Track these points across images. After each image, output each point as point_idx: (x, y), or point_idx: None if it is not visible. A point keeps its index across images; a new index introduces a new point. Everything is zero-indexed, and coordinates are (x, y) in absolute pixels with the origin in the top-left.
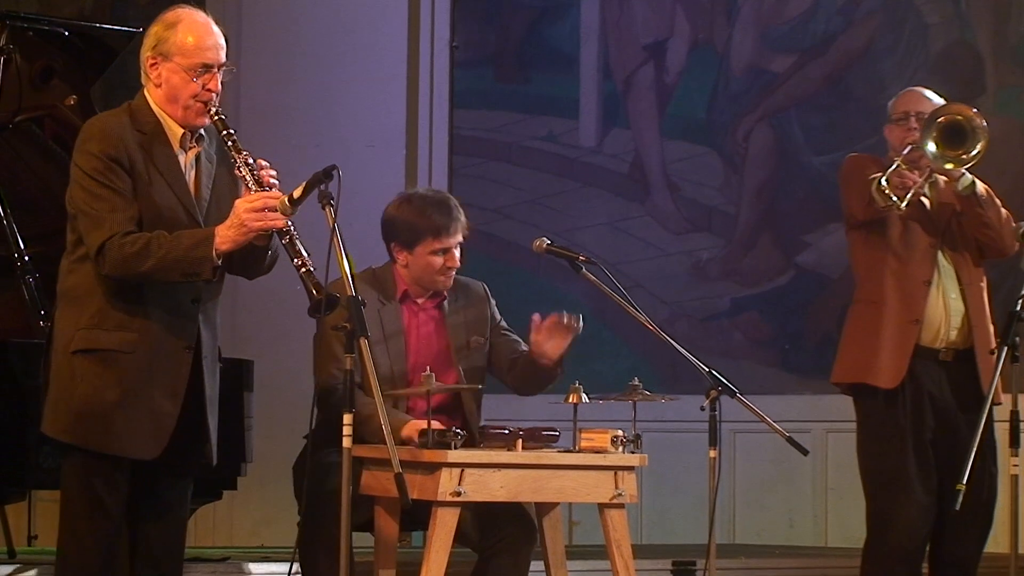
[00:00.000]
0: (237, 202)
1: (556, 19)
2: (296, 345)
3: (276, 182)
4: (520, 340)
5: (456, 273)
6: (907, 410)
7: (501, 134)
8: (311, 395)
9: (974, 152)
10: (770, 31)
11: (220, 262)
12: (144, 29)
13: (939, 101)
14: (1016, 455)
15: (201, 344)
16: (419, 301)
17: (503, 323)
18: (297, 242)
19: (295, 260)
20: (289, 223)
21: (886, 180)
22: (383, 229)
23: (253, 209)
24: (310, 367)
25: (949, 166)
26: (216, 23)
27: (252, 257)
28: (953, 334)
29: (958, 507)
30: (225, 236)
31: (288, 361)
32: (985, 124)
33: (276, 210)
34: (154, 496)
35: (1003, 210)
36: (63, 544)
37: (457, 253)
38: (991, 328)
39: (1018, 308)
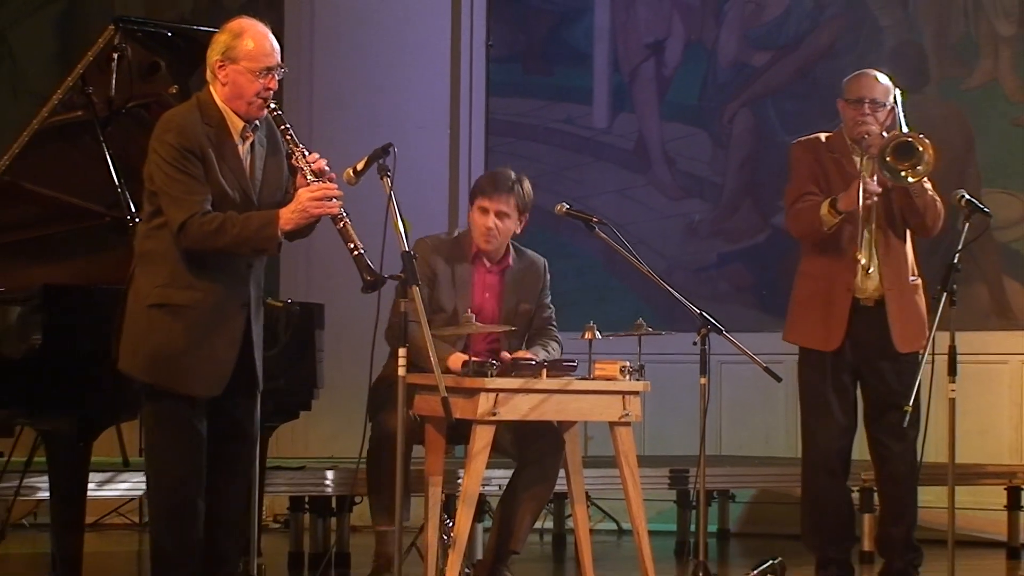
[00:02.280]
0: (301, 191)
1: (573, 22)
2: (358, 292)
3: (328, 170)
4: (551, 319)
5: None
6: (833, 354)
7: (528, 118)
8: (372, 332)
9: (914, 171)
10: (751, 32)
11: (282, 241)
12: None
13: (888, 84)
14: (953, 382)
15: (250, 299)
16: (487, 264)
17: (548, 300)
18: (349, 228)
19: (349, 244)
20: (342, 211)
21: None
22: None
23: (314, 198)
24: (372, 309)
25: (908, 178)
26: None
27: (306, 230)
28: (871, 289)
29: (906, 424)
30: (288, 219)
31: (353, 304)
32: (928, 142)
33: (332, 199)
34: (228, 418)
35: (936, 199)
36: (148, 469)
37: (495, 219)
38: (908, 284)
39: (955, 261)
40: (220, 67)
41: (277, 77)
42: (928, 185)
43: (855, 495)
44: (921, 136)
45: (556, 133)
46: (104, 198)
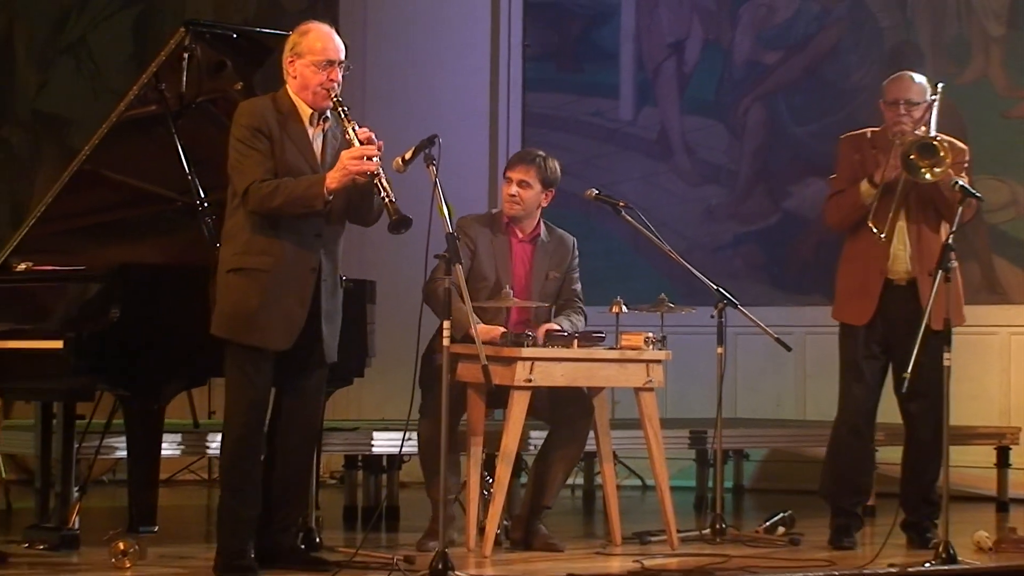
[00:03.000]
0: (343, 152)
1: (602, 24)
2: (408, 270)
3: (373, 138)
4: (578, 292)
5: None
6: (865, 328)
7: (560, 111)
8: (419, 306)
9: (931, 170)
10: (763, 33)
11: (331, 198)
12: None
13: (923, 82)
14: (948, 351)
15: (322, 269)
16: (519, 234)
17: (576, 273)
18: (383, 181)
19: (381, 193)
20: (379, 168)
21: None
22: None
23: (353, 157)
24: (419, 285)
25: (926, 175)
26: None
27: (362, 206)
28: (903, 270)
29: (904, 389)
30: (332, 177)
31: (402, 280)
32: (947, 144)
33: (371, 159)
34: (295, 384)
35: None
36: (226, 410)
37: (516, 188)
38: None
39: (950, 241)
40: (290, 63)
41: (341, 72)
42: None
43: None
44: (943, 139)
45: (586, 125)
46: (175, 185)
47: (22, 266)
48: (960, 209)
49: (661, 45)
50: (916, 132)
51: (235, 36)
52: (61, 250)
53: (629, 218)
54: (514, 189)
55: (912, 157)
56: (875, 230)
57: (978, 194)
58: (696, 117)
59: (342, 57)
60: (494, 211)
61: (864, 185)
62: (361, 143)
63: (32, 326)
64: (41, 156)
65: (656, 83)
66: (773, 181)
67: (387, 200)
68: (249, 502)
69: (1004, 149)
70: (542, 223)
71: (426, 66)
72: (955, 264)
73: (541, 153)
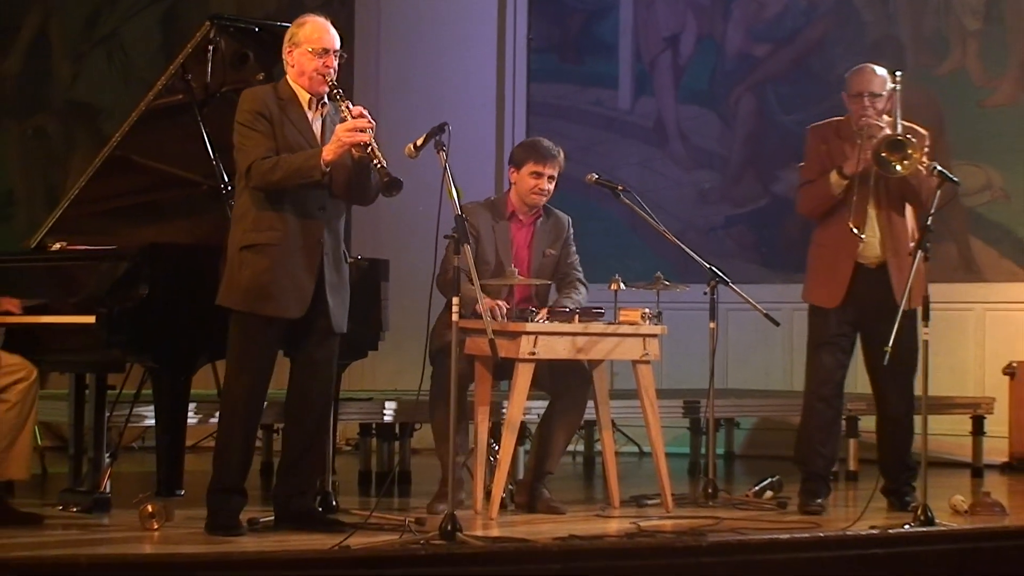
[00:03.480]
0: (337, 126)
1: (602, 19)
2: (420, 250)
3: (365, 113)
4: (575, 264)
5: (551, 207)
6: (835, 310)
7: (563, 100)
8: (430, 283)
9: (903, 164)
10: (753, 27)
11: (327, 169)
12: None
13: (884, 73)
14: (926, 326)
15: (324, 239)
16: (521, 219)
17: (573, 247)
18: (376, 150)
19: (373, 160)
20: (372, 140)
21: (839, 173)
22: (508, 158)
23: (347, 130)
24: (430, 263)
25: (897, 168)
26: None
27: (361, 182)
28: (872, 255)
29: (886, 362)
30: (328, 150)
31: (413, 259)
32: (914, 139)
33: (363, 131)
34: (306, 354)
35: (930, 177)
36: (226, 378)
37: (546, 183)
38: (906, 251)
39: (928, 223)
40: (289, 52)
41: (335, 60)
42: (923, 170)
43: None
44: (910, 134)
45: (587, 114)
46: (201, 169)
47: (57, 245)
48: (938, 193)
49: (657, 38)
50: (881, 123)
51: (257, 30)
52: (93, 231)
53: (627, 201)
54: (545, 184)
55: (883, 154)
56: (855, 231)
57: (956, 179)
58: (690, 106)
59: (336, 46)
60: (493, 198)
61: (834, 176)
62: (354, 118)
63: (66, 302)
64: (75, 143)
65: (653, 74)
66: (762, 166)
67: (379, 165)
68: (238, 469)
69: (980, 137)
70: (542, 207)
71: (436, 58)
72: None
73: (555, 145)
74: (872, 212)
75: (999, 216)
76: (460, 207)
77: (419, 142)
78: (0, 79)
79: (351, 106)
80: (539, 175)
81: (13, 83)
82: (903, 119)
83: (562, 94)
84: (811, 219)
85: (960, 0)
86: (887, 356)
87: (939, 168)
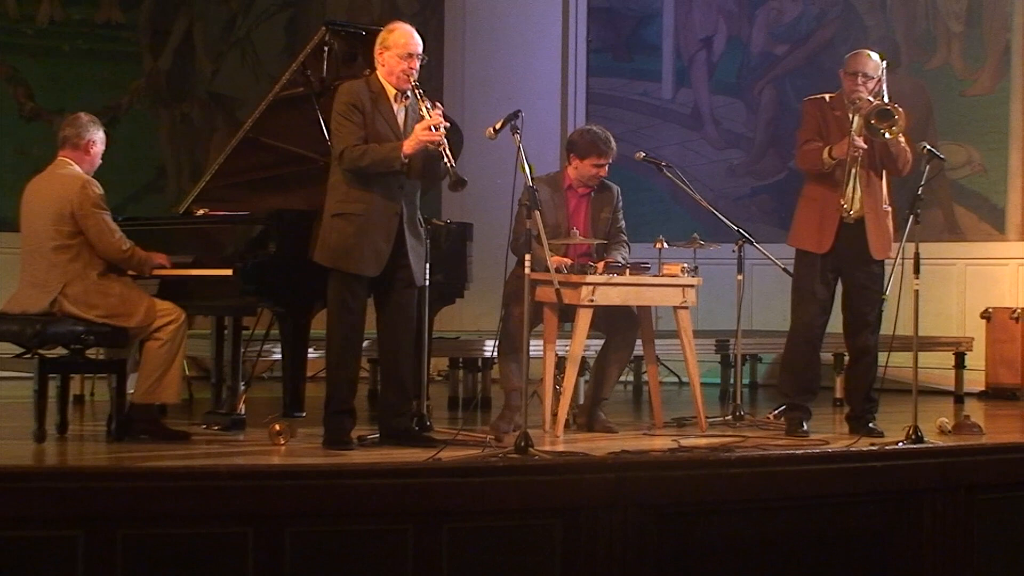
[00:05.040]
0: (416, 125)
1: (648, 24)
2: (498, 215)
3: (441, 116)
4: (623, 228)
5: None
6: (822, 256)
7: (616, 92)
8: (505, 243)
9: (890, 130)
10: (774, 30)
11: (406, 160)
12: None
13: (877, 60)
14: (917, 278)
15: (403, 213)
16: (579, 190)
17: (620, 215)
18: (446, 150)
19: (443, 160)
20: (443, 139)
21: (828, 154)
22: (568, 144)
23: (423, 128)
24: (506, 226)
25: (885, 134)
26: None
27: (433, 168)
28: (854, 211)
29: (883, 309)
30: (408, 144)
31: (493, 223)
32: (901, 110)
33: (436, 129)
34: (389, 300)
35: (907, 149)
36: (328, 321)
37: (604, 171)
38: (882, 210)
39: (919, 192)
40: (380, 53)
41: (418, 62)
42: (902, 139)
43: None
44: (896, 105)
45: (635, 103)
46: (318, 148)
47: (201, 211)
48: (927, 167)
49: (694, 40)
50: (870, 99)
51: (364, 33)
52: (230, 199)
53: (669, 175)
54: (604, 170)
55: (873, 121)
56: (845, 206)
57: (942, 155)
58: (721, 96)
59: (419, 51)
60: (554, 173)
61: (825, 155)
62: (431, 117)
63: (208, 257)
64: (214, 127)
65: (690, 70)
66: (781, 146)
67: (449, 164)
68: (346, 395)
69: (962, 121)
70: None
71: (511, 57)
72: (889, 208)
73: (611, 137)
74: (856, 172)
75: (978, 186)
76: (531, 180)
77: (497, 126)
78: (154, 73)
79: (430, 107)
80: (600, 165)
81: (164, 77)
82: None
83: (615, 86)
84: (805, 173)
85: (946, 6)
86: (885, 303)
87: (928, 146)
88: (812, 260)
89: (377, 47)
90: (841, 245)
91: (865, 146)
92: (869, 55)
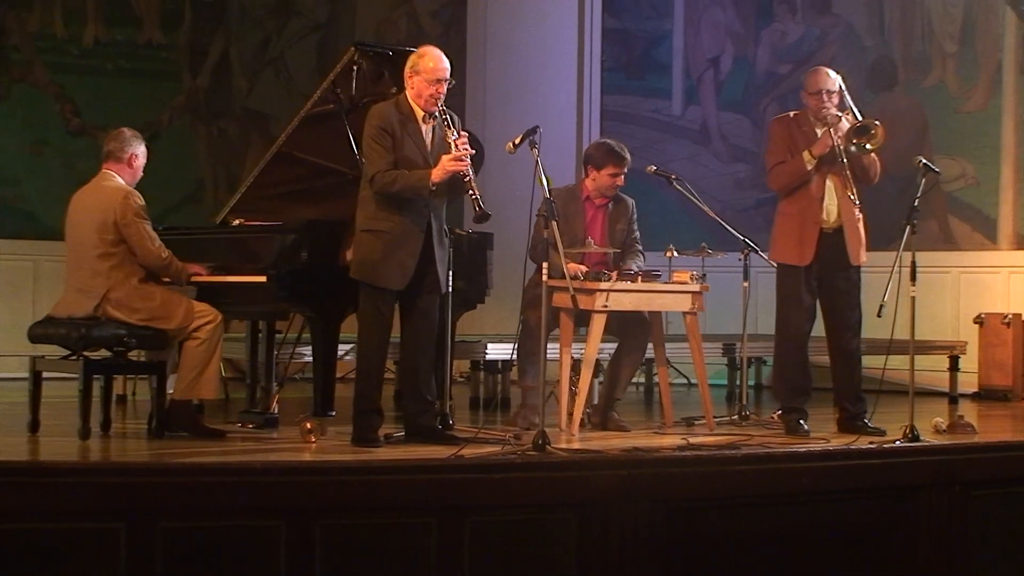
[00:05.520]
0: (443, 156)
1: (659, 45)
2: (518, 226)
3: (467, 145)
4: (637, 238)
5: (618, 192)
6: (805, 268)
7: (629, 109)
8: (524, 252)
9: (872, 143)
10: (778, 50)
11: (434, 188)
12: None
13: (835, 75)
14: (913, 285)
15: (431, 227)
16: (596, 201)
17: (635, 226)
18: (472, 182)
19: (469, 192)
20: (469, 169)
21: (810, 153)
22: (585, 157)
23: (450, 159)
24: (524, 237)
25: (867, 146)
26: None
27: (457, 188)
28: (832, 221)
29: (881, 315)
30: (436, 174)
31: (512, 233)
32: (878, 123)
33: (463, 160)
34: (414, 306)
35: (876, 161)
36: (359, 333)
37: (621, 180)
38: (856, 218)
39: (915, 204)
40: (409, 77)
41: (446, 86)
42: (872, 154)
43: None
44: (874, 120)
45: (647, 119)
46: (347, 162)
47: (236, 221)
48: (923, 180)
49: (702, 60)
50: (838, 113)
51: (391, 53)
52: (265, 210)
53: (679, 187)
54: (620, 179)
55: (855, 140)
56: (824, 217)
57: (937, 169)
58: (728, 113)
59: (448, 76)
60: (571, 185)
61: (806, 155)
62: (458, 148)
63: (244, 265)
64: (250, 142)
65: (699, 88)
66: None
67: (474, 199)
68: (375, 396)
69: (956, 136)
70: None
71: (530, 75)
72: (860, 216)
73: (625, 148)
74: (830, 184)
75: (971, 198)
76: (549, 192)
77: (517, 141)
78: (193, 91)
79: (456, 136)
80: (616, 175)
81: (203, 95)
82: (859, 112)
83: (628, 103)
84: (780, 192)
85: (940, 28)
86: (883, 308)
87: (924, 160)
88: (796, 271)
89: (407, 70)
90: (822, 254)
91: (843, 143)
92: (827, 72)
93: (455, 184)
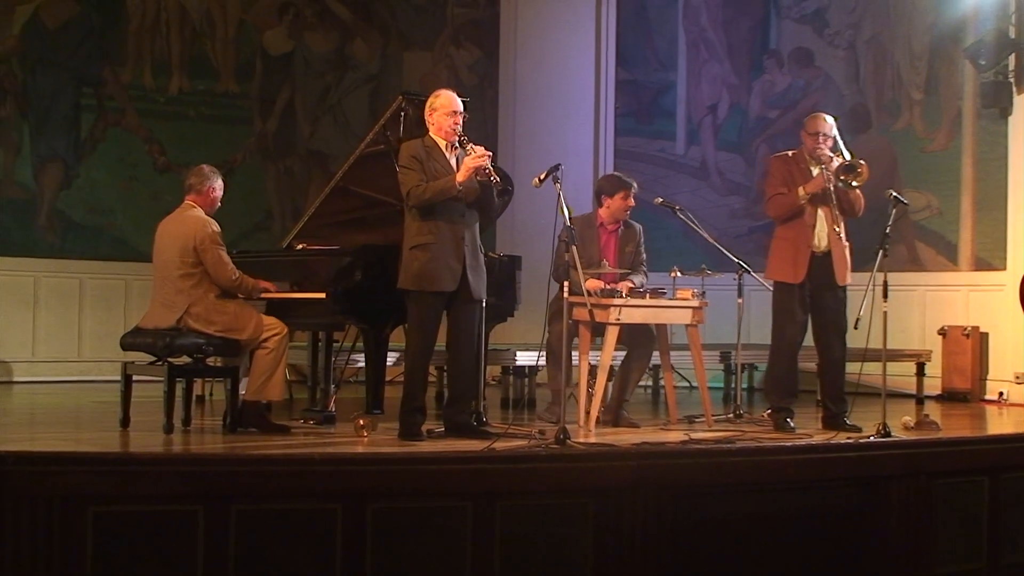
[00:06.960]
0: (464, 159)
1: (665, 94)
2: (542, 249)
3: (484, 149)
4: (643, 260)
5: (629, 220)
6: (798, 285)
7: (638, 149)
8: (548, 272)
9: (857, 180)
10: (768, 98)
11: (460, 188)
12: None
13: (831, 120)
14: (885, 301)
15: (465, 239)
16: (609, 227)
17: (642, 247)
18: (491, 171)
19: (491, 178)
20: (487, 163)
21: (803, 190)
22: (596, 188)
23: (471, 158)
24: (548, 259)
25: (853, 183)
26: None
27: (484, 202)
28: (822, 245)
29: (856, 327)
30: (460, 174)
31: (537, 256)
32: (863, 163)
33: (482, 158)
34: (457, 316)
35: (861, 196)
36: (407, 335)
37: (631, 202)
38: (843, 245)
39: (887, 231)
40: (429, 115)
41: (461, 118)
42: (858, 191)
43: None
44: (860, 160)
45: (654, 157)
46: (395, 195)
47: (300, 246)
48: (894, 211)
49: (702, 106)
50: (830, 154)
51: None
52: (324, 236)
53: (682, 216)
54: (631, 202)
55: (843, 177)
56: (815, 242)
57: (905, 200)
58: (725, 152)
59: (461, 109)
60: (587, 213)
61: (800, 191)
62: (475, 151)
63: (306, 283)
64: (311, 178)
65: (699, 131)
66: None
67: (494, 180)
68: (421, 396)
69: (922, 172)
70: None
71: (554, 120)
72: (847, 243)
73: (632, 179)
74: (821, 214)
75: (935, 226)
76: (569, 220)
77: (542, 176)
78: (263, 134)
79: (474, 146)
80: (627, 197)
81: (271, 137)
82: (850, 152)
83: (637, 144)
84: (776, 219)
85: (908, 78)
86: (859, 321)
87: (894, 193)
88: (790, 288)
89: (427, 111)
90: (813, 274)
91: (833, 180)
92: (824, 118)
93: (483, 197)
